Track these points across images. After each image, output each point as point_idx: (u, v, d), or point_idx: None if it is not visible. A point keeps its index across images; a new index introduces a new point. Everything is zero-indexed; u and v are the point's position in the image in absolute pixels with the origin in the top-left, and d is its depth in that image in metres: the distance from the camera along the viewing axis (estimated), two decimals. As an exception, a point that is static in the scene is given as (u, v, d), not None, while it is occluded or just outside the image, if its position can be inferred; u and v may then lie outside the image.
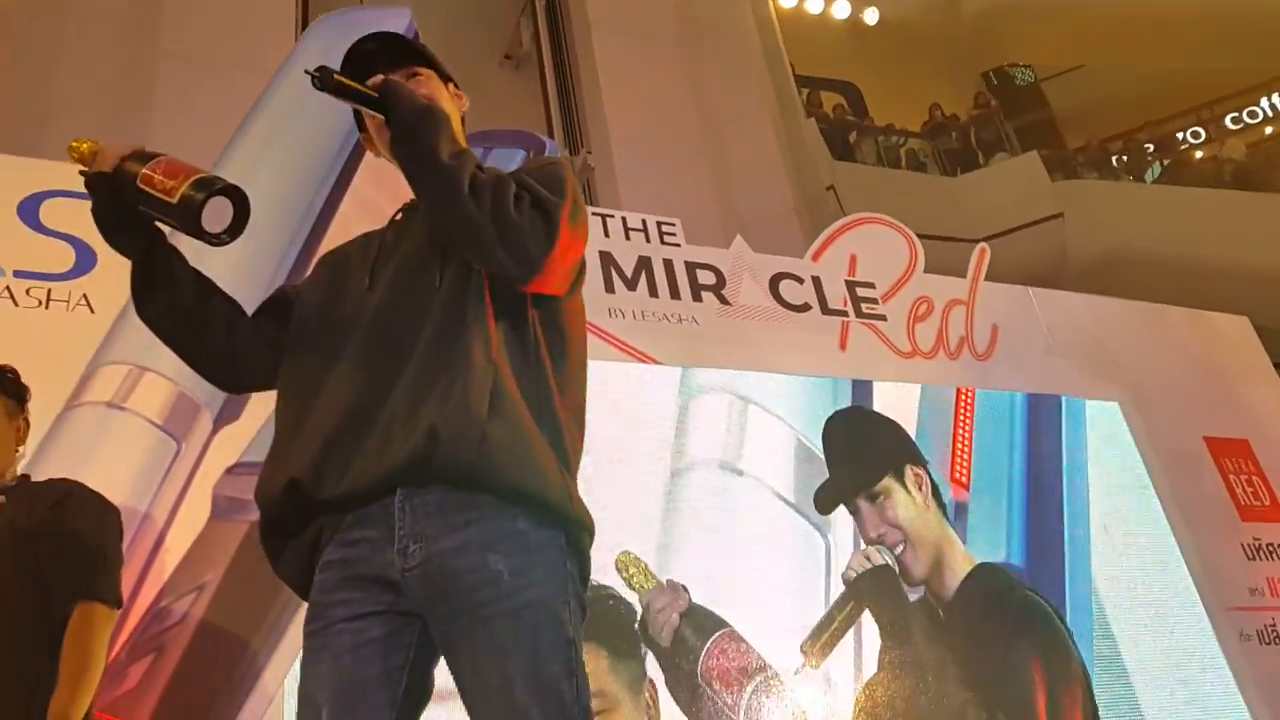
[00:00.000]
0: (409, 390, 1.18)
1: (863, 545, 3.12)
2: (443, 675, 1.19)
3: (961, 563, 3.05)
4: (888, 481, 3.09)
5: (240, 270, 2.46)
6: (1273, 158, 12.00)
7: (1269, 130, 13.49)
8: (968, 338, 3.87)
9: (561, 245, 1.22)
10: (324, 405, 1.21)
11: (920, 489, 3.12)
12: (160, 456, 2.49)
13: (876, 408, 3.58)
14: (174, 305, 1.32)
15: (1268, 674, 3.55)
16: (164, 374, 2.56)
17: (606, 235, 3.66)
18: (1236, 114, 13.57)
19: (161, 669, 2.23)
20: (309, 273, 1.47)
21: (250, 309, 1.41)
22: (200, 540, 2.45)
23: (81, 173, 1.26)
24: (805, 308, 3.85)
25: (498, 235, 1.17)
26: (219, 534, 2.44)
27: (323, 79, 1.20)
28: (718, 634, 2.79)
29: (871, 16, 10.66)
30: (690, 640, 2.76)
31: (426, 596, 1.13)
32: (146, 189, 1.20)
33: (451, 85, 1.45)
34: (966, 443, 3.61)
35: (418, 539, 1.13)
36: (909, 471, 3.15)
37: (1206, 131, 13.59)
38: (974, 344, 3.87)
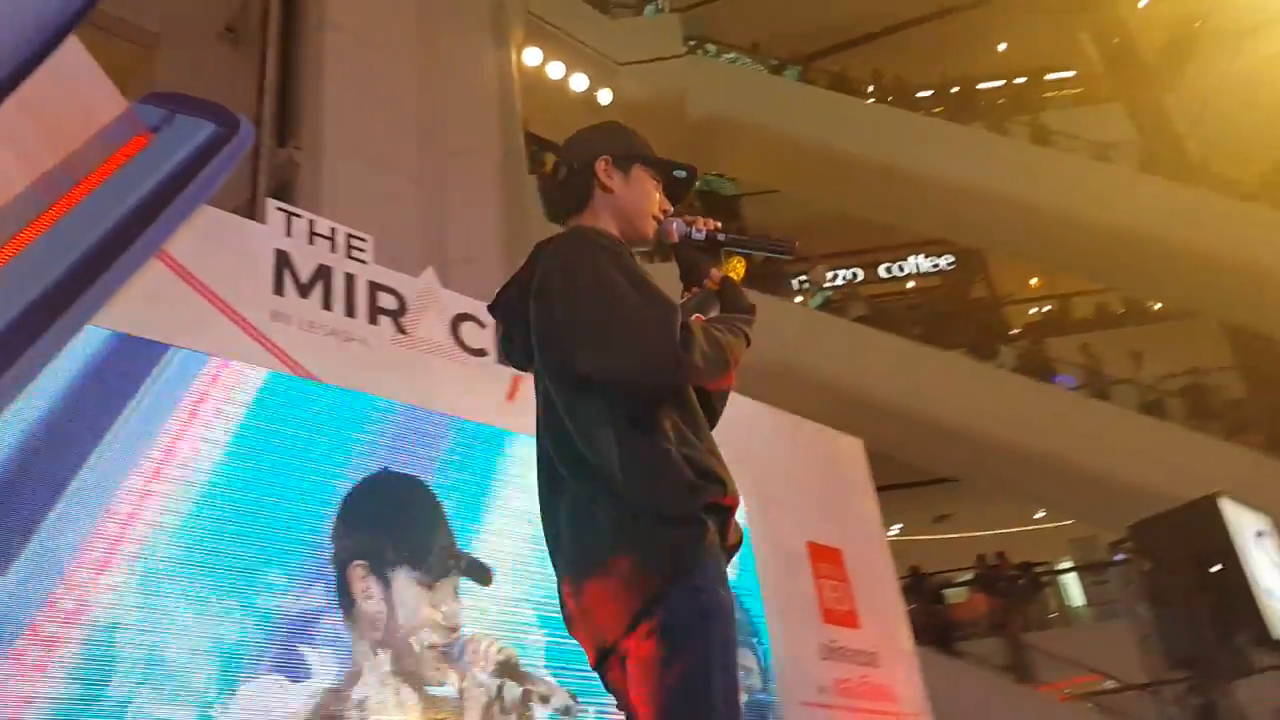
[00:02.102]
0: None
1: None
2: None
3: None
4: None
5: None
6: (913, 307, 13.94)
7: (911, 284, 15.76)
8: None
9: None
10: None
11: None
12: None
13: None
14: None
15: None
16: None
17: (289, 235, 3.49)
18: (889, 264, 15.76)
19: None
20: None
21: None
22: None
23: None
24: (482, 353, 3.87)
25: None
26: None
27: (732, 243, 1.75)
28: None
29: (605, 97, 11.12)
30: None
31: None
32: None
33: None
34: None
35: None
36: None
37: (864, 273, 15.64)
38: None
